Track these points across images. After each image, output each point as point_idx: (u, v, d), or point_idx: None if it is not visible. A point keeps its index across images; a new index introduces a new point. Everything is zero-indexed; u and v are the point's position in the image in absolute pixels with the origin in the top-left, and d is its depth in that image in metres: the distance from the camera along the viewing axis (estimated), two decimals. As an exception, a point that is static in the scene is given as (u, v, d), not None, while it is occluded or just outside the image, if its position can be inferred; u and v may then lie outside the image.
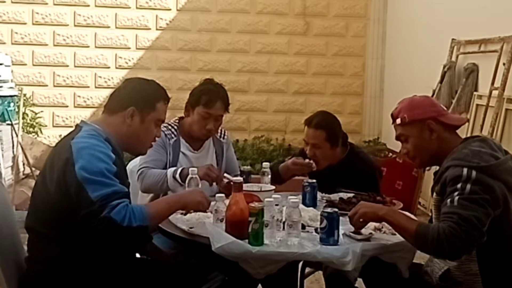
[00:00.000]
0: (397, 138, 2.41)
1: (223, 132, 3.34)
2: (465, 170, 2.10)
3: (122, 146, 2.33)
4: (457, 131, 2.38)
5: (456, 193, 2.09)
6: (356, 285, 2.66)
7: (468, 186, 2.08)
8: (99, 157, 2.13)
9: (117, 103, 2.35)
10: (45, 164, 2.24)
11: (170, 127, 3.18)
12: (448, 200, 2.11)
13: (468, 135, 4.77)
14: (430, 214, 2.43)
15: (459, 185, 2.09)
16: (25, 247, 2.31)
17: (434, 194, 2.28)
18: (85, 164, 2.08)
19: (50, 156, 2.25)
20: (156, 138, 2.46)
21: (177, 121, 3.25)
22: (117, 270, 2.22)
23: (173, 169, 2.97)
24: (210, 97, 3.09)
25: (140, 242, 2.34)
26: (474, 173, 2.09)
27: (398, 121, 2.36)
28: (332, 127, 3.17)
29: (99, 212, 2.02)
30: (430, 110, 2.32)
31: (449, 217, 2.06)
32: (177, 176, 2.92)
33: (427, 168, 2.98)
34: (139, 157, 3.08)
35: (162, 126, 2.56)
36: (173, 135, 3.15)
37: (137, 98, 2.33)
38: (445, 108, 2.40)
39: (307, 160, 3.17)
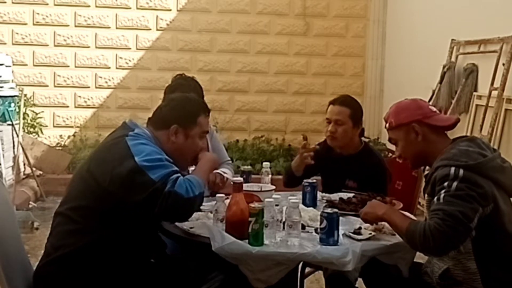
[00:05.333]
0: (389, 141, 2.49)
1: None
2: (452, 169, 2.14)
3: None
4: (456, 131, 2.40)
5: (443, 191, 2.13)
6: (356, 285, 2.67)
7: (455, 184, 2.12)
8: (157, 151, 2.29)
9: (160, 121, 2.45)
10: (90, 158, 2.35)
11: None
12: (435, 198, 2.15)
13: (468, 135, 4.78)
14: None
15: (446, 184, 2.13)
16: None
17: (426, 195, 2.31)
18: (145, 156, 2.22)
19: (97, 151, 2.38)
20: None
21: None
22: (125, 269, 2.26)
23: None
24: (182, 91, 3.09)
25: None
26: (461, 171, 2.13)
27: (387, 126, 2.44)
28: (356, 107, 3.27)
29: (162, 188, 2.16)
30: (415, 113, 2.36)
31: (435, 214, 2.10)
32: None
33: (423, 168, 2.99)
34: None
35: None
36: None
37: (178, 116, 2.43)
38: (434, 110, 2.42)
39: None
